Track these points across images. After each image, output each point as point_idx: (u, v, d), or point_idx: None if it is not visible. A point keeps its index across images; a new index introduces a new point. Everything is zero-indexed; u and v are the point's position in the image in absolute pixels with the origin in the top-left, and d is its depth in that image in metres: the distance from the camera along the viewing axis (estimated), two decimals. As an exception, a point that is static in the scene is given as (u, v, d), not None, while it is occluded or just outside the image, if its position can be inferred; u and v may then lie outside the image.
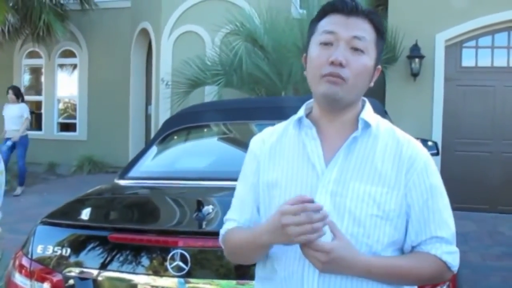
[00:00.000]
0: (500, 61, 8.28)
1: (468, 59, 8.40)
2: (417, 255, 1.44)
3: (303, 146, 1.49)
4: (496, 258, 5.85)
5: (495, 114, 8.16)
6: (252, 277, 2.05)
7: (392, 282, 1.42)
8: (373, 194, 1.40)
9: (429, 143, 4.63)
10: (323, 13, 1.47)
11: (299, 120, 1.53)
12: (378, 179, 1.41)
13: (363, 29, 1.43)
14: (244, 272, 2.09)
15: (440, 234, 1.43)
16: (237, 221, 1.58)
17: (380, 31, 1.47)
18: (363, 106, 1.52)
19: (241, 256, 1.58)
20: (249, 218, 1.56)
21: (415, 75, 8.18)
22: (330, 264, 1.34)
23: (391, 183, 1.41)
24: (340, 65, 1.39)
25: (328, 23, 1.44)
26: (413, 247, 1.45)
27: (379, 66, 1.51)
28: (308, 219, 1.28)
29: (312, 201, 1.31)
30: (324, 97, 1.44)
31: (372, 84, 1.50)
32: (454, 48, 8.34)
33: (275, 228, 1.34)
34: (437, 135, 8.02)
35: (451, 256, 1.44)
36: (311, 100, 1.55)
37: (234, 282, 2.10)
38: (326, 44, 1.43)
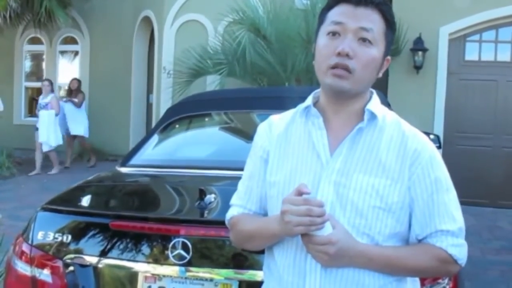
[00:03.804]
0: (504, 55, 8.26)
1: (471, 53, 8.38)
2: (419, 246, 1.44)
3: (309, 135, 1.49)
4: (495, 252, 5.87)
5: (497, 109, 8.16)
6: (252, 267, 2.07)
7: (393, 272, 1.42)
8: (376, 186, 1.39)
9: (431, 136, 4.62)
10: (332, 2, 1.47)
11: (306, 109, 1.52)
12: (382, 171, 1.41)
13: (371, 20, 1.42)
14: (246, 261, 2.09)
15: (445, 228, 1.42)
16: (243, 207, 1.59)
17: (390, 22, 1.46)
18: (370, 97, 1.51)
19: (250, 244, 1.59)
20: (255, 208, 1.58)
21: (418, 68, 8.16)
22: (336, 255, 1.34)
23: (395, 176, 1.41)
24: (347, 56, 1.38)
25: (337, 13, 1.44)
26: (419, 241, 1.45)
27: (389, 57, 1.50)
28: (307, 211, 1.29)
29: (307, 192, 1.32)
30: (331, 89, 1.44)
31: (380, 75, 1.49)
32: (457, 42, 8.32)
33: (280, 217, 1.36)
34: (438, 129, 8.01)
35: (457, 249, 1.43)
36: (319, 90, 1.54)
37: (235, 271, 2.10)
38: (333, 34, 1.42)
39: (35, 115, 10.52)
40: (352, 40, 1.40)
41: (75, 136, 10.79)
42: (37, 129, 10.07)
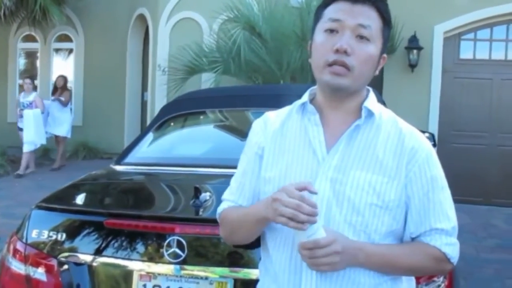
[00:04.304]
0: (498, 54, 8.29)
1: (466, 52, 8.41)
2: (414, 244, 1.44)
3: (305, 131, 1.48)
4: (489, 250, 5.89)
5: (491, 107, 8.18)
6: (247, 265, 2.06)
7: (387, 270, 1.42)
8: (373, 183, 1.39)
9: (426, 134, 4.62)
10: None
11: (303, 105, 1.51)
12: (379, 169, 1.40)
13: (368, 17, 1.41)
14: (241, 259, 2.09)
15: (440, 226, 1.42)
16: (234, 202, 1.57)
17: (387, 19, 1.46)
18: (367, 95, 1.51)
19: (238, 234, 1.56)
20: (246, 204, 1.56)
21: (413, 66, 8.18)
22: (341, 261, 1.34)
23: (392, 173, 1.40)
24: (345, 53, 1.38)
25: (334, 10, 1.43)
26: (412, 239, 1.45)
27: (385, 55, 1.50)
28: (297, 206, 1.27)
29: (313, 192, 1.30)
30: (328, 86, 1.43)
31: (377, 72, 1.49)
32: (452, 40, 8.34)
33: (269, 200, 1.35)
34: (433, 127, 8.03)
35: (451, 248, 1.43)
36: (315, 87, 1.53)
37: (230, 269, 2.09)
38: (331, 31, 1.42)
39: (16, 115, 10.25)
40: (350, 37, 1.39)
41: (57, 136, 10.32)
42: (21, 129, 9.72)
